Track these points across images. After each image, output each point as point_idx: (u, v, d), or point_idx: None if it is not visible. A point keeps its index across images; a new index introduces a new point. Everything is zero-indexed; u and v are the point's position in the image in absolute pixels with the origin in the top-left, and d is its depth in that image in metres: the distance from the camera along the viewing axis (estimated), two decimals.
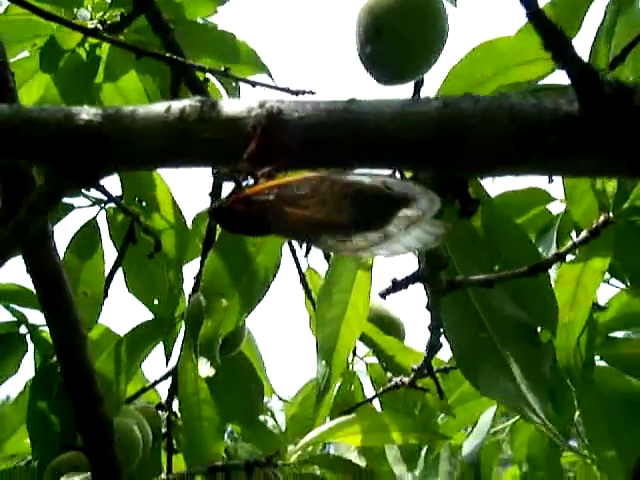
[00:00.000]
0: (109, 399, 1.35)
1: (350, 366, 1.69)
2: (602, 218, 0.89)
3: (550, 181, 0.84)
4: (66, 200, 1.35)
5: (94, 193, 1.35)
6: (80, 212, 1.41)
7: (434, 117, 0.45)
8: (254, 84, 1.14)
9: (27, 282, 1.23)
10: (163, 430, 1.60)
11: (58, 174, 0.51)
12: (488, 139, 0.44)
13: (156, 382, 1.65)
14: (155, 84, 1.45)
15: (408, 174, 0.59)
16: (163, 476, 1.31)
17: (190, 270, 1.74)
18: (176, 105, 0.50)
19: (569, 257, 1.11)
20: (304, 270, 1.49)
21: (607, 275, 1.28)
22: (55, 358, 1.37)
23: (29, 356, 1.52)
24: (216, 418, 1.46)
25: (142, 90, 1.45)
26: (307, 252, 1.41)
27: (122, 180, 1.33)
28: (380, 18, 0.99)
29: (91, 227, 1.41)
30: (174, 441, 1.59)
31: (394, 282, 0.77)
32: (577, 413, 1.47)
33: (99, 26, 1.33)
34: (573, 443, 1.75)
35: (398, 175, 0.53)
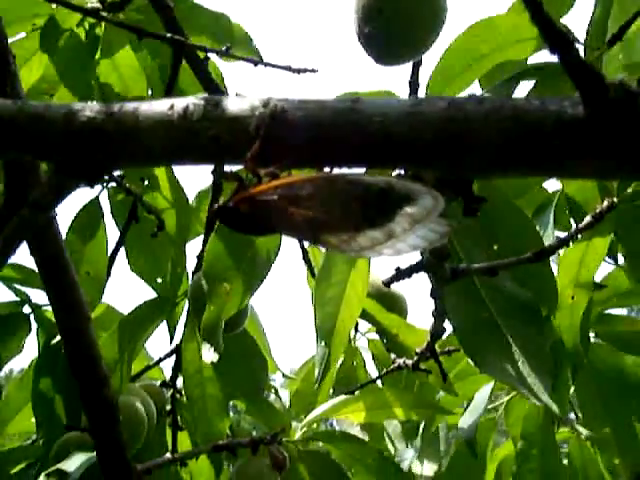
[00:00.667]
0: (113, 378, 1.36)
1: (352, 342, 1.70)
2: (606, 203, 0.89)
3: None
4: None
5: None
6: (82, 191, 1.42)
7: (439, 118, 0.45)
8: (256, 63, 1.14)
9: (30, 262, 1.24)
10: (167, 407, 1.61)
11: (61, 171, 0.51)
12: (492, 141, 0.44)
13: (160, 360, 1.66)
14: (155, 62, 1.44)
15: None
16: (168, 455, 1.31)
17: (193, 248, 1.75)
18: (180, 103, 0.49)
19: None
20: (307, 247, 1.49)
21: None
22: (59, 338, 1.38)
23: (32, 335, 1.53)
24: (220, 396, 1.46)
25: (138, 67, 1.44)
26: None
27: None
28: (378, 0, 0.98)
29: (93, 206, 1.41)
30: (179, 418, 1.60)
31: (398, 270, 0.77)
32: (572, 389, 1.48)
33: (99, 5, 1.32)
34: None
35: (402, 174, 0.52)
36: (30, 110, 0.52)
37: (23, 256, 1.02)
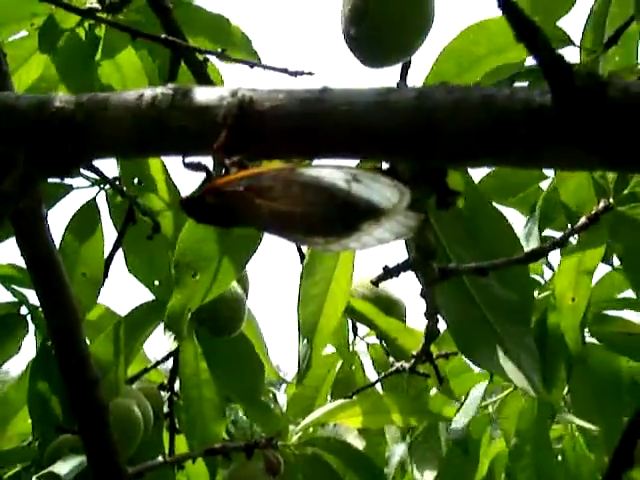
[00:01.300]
0: (107, 380, 1.36)
1: (352, 346, 1.70)
2: (602, 204, 0.89)
3: None
4: (65, 181, 1.35)
5: (93, 174, 1.35)
6: (79, 193, 1.42)
7: (408, 107, 0.44)
8: (252, 65, 1.13)
9: None
10: (165, 410, 1.61)
11: (31, 162, 0.50)
12: (460, 130, 0.43)
13: (158, 363, 1.65)
14: (155, 63, 1.44)
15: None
16: (160, 458, 1.30)
17: None
18: (149, 92, 0.49)
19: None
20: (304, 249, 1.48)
21: None
22: None
23: (30, 336, 1.53)
24: (216, 399, 1.46)
25: (140, 67, 1.44)
26: None
27: (119, 161, 1.33)
28: (366, 0, 0.98)
29: (90, 208, 1.41)
30: (176, 421, 1.60)
31: (385, 269, 0.76)
32: (566, 389, 1.49)
33: (98, 5, 1.32)
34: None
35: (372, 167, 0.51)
36: (0, 101, 0.51)
37: (21, 257, 1.02)
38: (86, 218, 1.39)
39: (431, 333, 0.95)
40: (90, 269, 1.40)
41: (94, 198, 1.41)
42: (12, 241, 1.05)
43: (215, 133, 0.47)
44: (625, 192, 1.09)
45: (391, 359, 1.52)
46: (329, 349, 1.62)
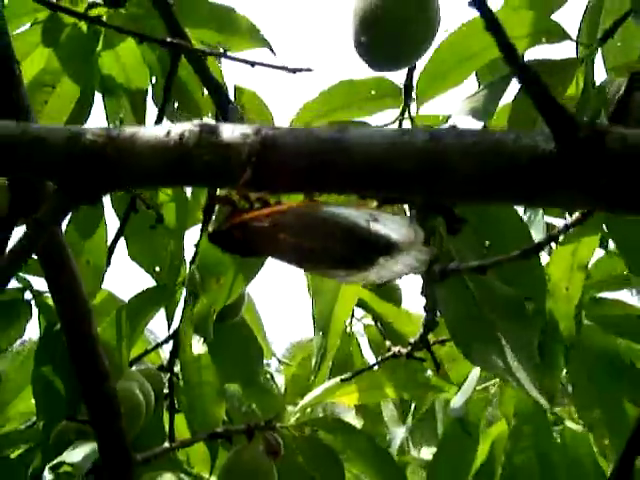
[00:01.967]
0: (111, 364, 1.39)
1: (349, 327, 1.73)
2: None
3: None
4: None
5: None
6: None
7: (420, 150, 0.47)
8: (253, 64, 1.16)
9: None
10: (165, 391, 1.64)
11: (63, 192, 0.53)
12: (469, 173, 0.46)
13: (158, 345, 1.69)
14: (155, 53, 1.47)
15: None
16: (167, 444, 1.34)
17: (191, 236, 1.77)
18: (176, 129, 0.52)
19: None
20: None
21: None
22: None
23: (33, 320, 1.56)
24: (216, 382, 1.50)
25: (140, 58, 1.46)
26: None
27: None
28: (375, 10, 1.01)
29: None
30: (176, 401, 1.64)
31: None
32: (564, 372, 1.51)
33: (100, 0, 1.35)
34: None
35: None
36: (33, 132, 0.54)
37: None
38: (89, 208, 1.42)
39: (429, 325, 0.99)
40: (93, 257, 1.43)
41: None
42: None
43: (239, 169, 0.50)
44: None
45: (388, 343, 1.55)
46: None
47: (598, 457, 1.62)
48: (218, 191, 0.53)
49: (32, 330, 1.63)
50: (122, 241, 1.47)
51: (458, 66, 1.15)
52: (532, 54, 1.27)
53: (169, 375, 1.64)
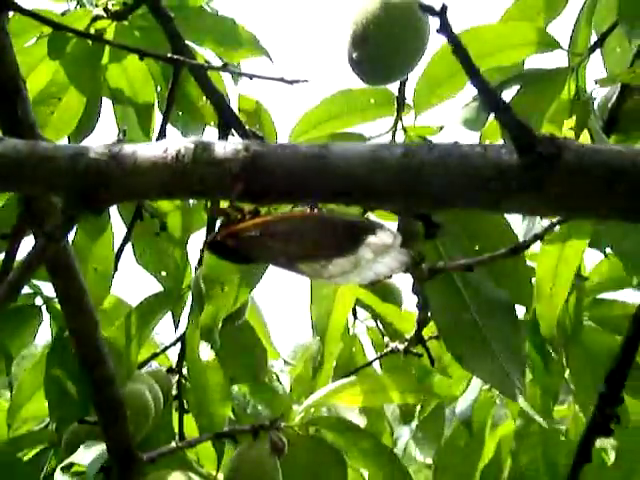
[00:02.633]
0: (121, 367, 1.43)
1: (352, 328, 1.77)
2: None
3: None
4: None
5: None
6: None
7: (395, 165, 0.52)
8: (251, 77, 1.20)
9: None
10: (174, 392, 1.68)
11: (69, 206, 0.58)
12: (441, 184, 0.51)
13: (166, 348, 1.73)
14: (159, 65, 1.50)
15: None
16: (173, 444, 1.38)
17: (196, 241, 1.81)
18: (173, 147, 0.56)
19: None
20: None
21: None
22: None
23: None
24: (222, 383, 1.53)
25: (146, 70, 1.50)
26: None
27: None
28: (366, 27, 1.05)
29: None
30: (184, 402, 1.67)
31: None
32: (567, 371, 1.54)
33: (103, 13, 1.38)
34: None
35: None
36: (39, 151, 0.58)
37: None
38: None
39: (422, 322, 1.02)
40: (101, 264, 1.46)
41: None
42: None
43: (230, 182, 0.54)
44: None
45: (386, 339, 1.59)
46: None
47: (603, 454, 1.64)
48: (213, 204, 0.57)
49: (43, 334, 1.67)
50: (129, 247, 1.50)
51: (452, 78, 1.19)
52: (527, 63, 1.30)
53: (178, 377, 1.68)
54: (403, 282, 1.61)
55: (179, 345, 1.68)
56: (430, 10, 0.48)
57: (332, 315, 1.20)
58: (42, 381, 1.52)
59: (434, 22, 0.49)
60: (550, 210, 0.51)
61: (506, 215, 1.01)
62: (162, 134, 1.33)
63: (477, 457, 1.76)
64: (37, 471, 1.52)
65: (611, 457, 1.58)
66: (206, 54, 1.47)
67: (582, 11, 1.28)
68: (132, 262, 1.53)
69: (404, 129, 1.22)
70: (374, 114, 1.30)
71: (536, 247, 1.17)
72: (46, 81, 1.43)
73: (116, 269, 1.49)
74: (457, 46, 0.48)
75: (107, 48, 1.46)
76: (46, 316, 1.62)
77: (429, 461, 1.81)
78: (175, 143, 0.56)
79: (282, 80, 1.17)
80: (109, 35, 1.44)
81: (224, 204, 0.58)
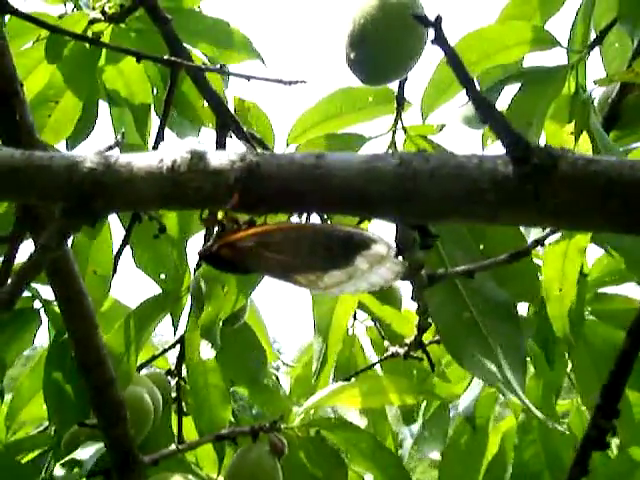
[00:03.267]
0: (121, 370, 1.43)
1: (351, 330, 1.77)
2: None
3: None
4: None
5: None
6: None
7: (390, 174, 0.51)
8: (248, 78, 1.20)
9: None
10: (173, 394, 1.68)
11: (65, 216, 0.57)
12: (435, 195, 0.50)
13: (165, 350, 1.73)
14: (156, 67, 1.50)
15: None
16: (173, 446, 1.38)
17: (195, 243, 1.81)
18: (168, 157, 0.56)
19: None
20: None
21: None
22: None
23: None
24: (222, 385, 1.53)
25: (143, 72, 1.50)
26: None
27: None
28: (363, 26, 1.05)
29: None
30: (184, 405, 1.67)
31: None
32: (570, 365, 1.54)
33: (100, 16, 1.38)
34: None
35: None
36: (36, 160, 0.58)
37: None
38: None
39: (422, 327, 1.02)
40: (100, 266, 1.46)
41: None
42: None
43: (227, 193, 0.54)
44: None
45: (386, 343, 1.59)
46: None
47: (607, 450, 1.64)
48: (208, 213, 0.57)
49: (42, 337, 1.67)
50: (127, 250, 1.50)
51: (455, 81, 1.19)
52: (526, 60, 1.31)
53: (177, 379, 1.68)
54: (403, 286, 1.61)
55: (178, 347, 1.68)
56: (425, 21, 0.48)
57: (334, 316, 1.19)
58: (41, 384, 1.51)
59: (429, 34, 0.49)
60: (546, 222, 0.50)
61: None
62: (159, 136, 1.33)
63: (481, 453, 1.76)
64: (36, 474, 1.52)
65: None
66: (202, 56, 1.47)
67: (580, 8, 1.28)
68: (131, 265, 1.53)
69: (404, 129, 1.22)
70: (373, 113, 1.30)
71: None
72: (43, 84, 1.42)
73: (115, 272, 1.49)
74: (451, 57, 0.48)
75: (104, 51, 1.46)
76: (45, 319, 1.62)
77: (436, 456, 1.81)
78: (171, 153, 0.56)
79: (280, 81, 1.17)
80: (106, 38, 1.44)
81: (220, 214, 0.58)
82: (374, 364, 1.65)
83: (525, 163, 0.48)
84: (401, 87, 1.16)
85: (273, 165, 0.54)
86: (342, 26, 1.09)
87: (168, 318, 1.57)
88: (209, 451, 1.62)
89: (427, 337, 1.30)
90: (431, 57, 1.20)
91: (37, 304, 1.59)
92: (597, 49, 1.36)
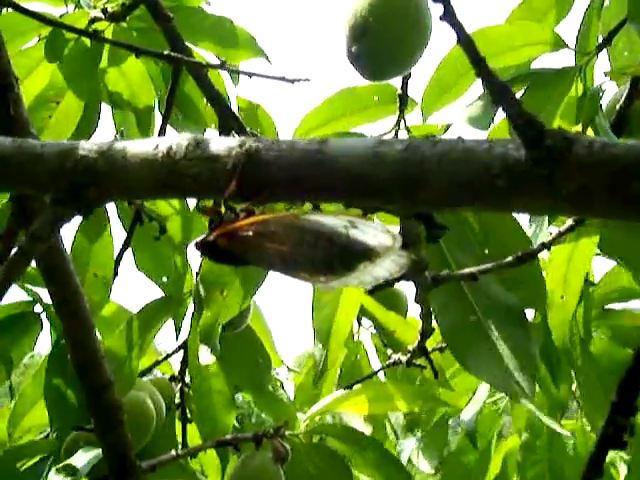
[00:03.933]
0: (122, 375, 1.41)
1: (356, 336, 1.75)
2: None
3: None
4: None
5: None
6: None
7: (396, 160, 0.49)
8: (251, 75, 1.18)
9: None
10: (176, 400, 1.66)
11: (57, 204, 0.55)
12: (444, 180, 0.48)
13: (168, 355, 1.71)
14: (159, 66, 1.48)
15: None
16: (173, 452, 1.36)
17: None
18: (164, 143, 0.54)
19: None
20: None
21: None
22: None
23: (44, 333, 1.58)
24: (226, 390, 1.51)
25: (145, 72, 1.48)
26: None
27: None
28: (365, 19, 1.03)
29: (99, 210, 1.45)
30: (187, 411, 1.65)
31: None
32: (575, 383, 1.51)
33: (101, 15, 1.36)
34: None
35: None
36: (27, 148, 0.56)
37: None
38: (95, 220, 1.44)
39: (425, 332, 0.99)
40: (101, 269, 1.44)
41: None
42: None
43: (225, 180, 0.52)
44: None
45: (389, 351, 1.57)
46: None
47: (611, 468, 1.62)
48: (205, 202, 0.55)
49: (44, 342, 1.65)
50: (129, 253, 1.48)
51: (460, 79, 1.18)
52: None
53: (180, 385, 1.66)
54: (408, 290, 1.58)
55: (181, 352, 1.66)
56: None
57: (335, 321, 1.17)
58: (42, 390, 1.49)
59: (437, 10, 0.46)
60: (561, 208, 0.48)
61: None
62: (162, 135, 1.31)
63: (484, 471, 1.74)
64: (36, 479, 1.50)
65: (620, 471, 1.55)
66: (205, 57, 1.45)
67: (589, 10, 1.26)
68: (132, 268, 1.51)
69: (407, 128, 1.20)
70: (377, 113, 1.28)
71: (543, 253, 1.14)
72: (44, 84, 1.40)
73: (116, 275, 1.47)
74: (461, 34, 0.45)
75: (105, 52, 1.44)
76: (46, 324, 1.60)
77: (428, 470, 1.79)
78: (167, 139, 0.54)
79: (283, 79, 1.15)
80: (107, 37, 1.42)
81: (219, 203, 0.55)
82: (376, 372, 1.63)
83: (538, 146, 0.45)
84: (404, 84, 1.14)
85: (273, 151, 0.52)
86: (343, 19, 1.07)
87: (171, 323, 1.55)
88: (213, 458, 1.60)
89: (431, 344, 1.27)
90: (434, 55, 1.18)
91: (38, 308, 1.57)
92: (605, 52, 1.34)
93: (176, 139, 0.54)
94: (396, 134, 1.20)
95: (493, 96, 0.46)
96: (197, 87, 1.26)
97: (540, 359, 1.33)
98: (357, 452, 1.44)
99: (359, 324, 1.73)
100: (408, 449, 1.81)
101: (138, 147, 0.54)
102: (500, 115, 1.20)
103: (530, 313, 1.19)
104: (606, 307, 1.48)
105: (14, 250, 0.57)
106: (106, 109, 1.52)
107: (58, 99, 1.39)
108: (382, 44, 1.04)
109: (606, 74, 1.13)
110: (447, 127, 1.24)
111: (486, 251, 0.97)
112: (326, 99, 1.31)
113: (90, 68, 1.40)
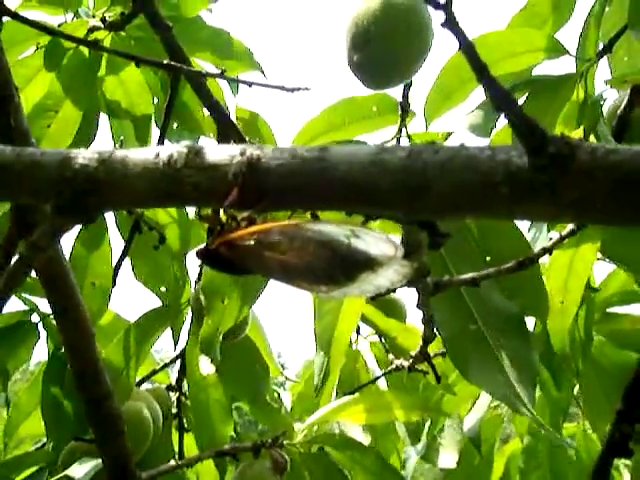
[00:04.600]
0: (120, 384, 1.41)
1: (355, 345, 1.74)
2: None
3: None
4: None
5: None
6: None
7: (398, 167, 0.49)
8: (250, 84, 1.18)
9: None
10: (173, 410, 1.65)
11: (57, 214, 0.55)
12: (446, 188, 0.48)
13: (166, 365, 1.70)
14: (157, 76, 1.48)
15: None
16: (172, 462, 1.35)
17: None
18: (165, 152, 0.53)
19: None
20: None
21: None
22: None
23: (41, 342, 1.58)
24: (223, 400, 1.51)
25: (143, 81, 1.48)
26: None
27: None
28: (367, 28, 1.03)
29: (98, 219, 1.45)
30: (184, 420, 1.65)
31: None
32: (577, 387, 1.51)
33: (100, 24, 1.36)
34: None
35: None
36: (26, 156, 0.56)
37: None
38: (94, 227, 1.43)
39: (427, 338, 0.99)
40: (99, 278, 1.44)
41: None
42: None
43: (226, 188, 0.51)
44: None
45: (391, 356, 1.56)
46: None
47: (614, 472, 1.61)
48: (205, 210, 0.55)
49: (40, 352, 1.65)
50: (127, 262, 1.48)
51: (461, 86, 1.18)
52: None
53: (177, 394, 1.66)
54: (408, 297, 1.58)
55: (179, 362, 1.66)
56: (434, 3, 0.45)
57: (336, 330, 1.17)
58: (39, 400, 1.49)
59: (439, 17, 0.46)
60: (564, 215, 0.48)
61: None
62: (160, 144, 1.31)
63: (487, 476, 1.74)
64: None
65: (624, 477, 1.55)
66: (204, 67, 1.45)
67: (589, 17, 1.26)
68: (130, 277, 1.51)
69: (408, 136, 1.20)
70: (377, 123, 1.28)
71: (544, 258, 1.14)
72: (42, 94, 1.40)
73: (114, 284, 1.47)
74: (463, 41, 0.45)
75: (104, 61, 1.44)
76: (43, 333, 1.60)
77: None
78: (167, 148, 0.54)
79: (282, 88, 1.15)
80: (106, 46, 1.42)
81: (218, 211, 0.55)
82: (378, 377, 1.63)
83: (541, 153, 0.45)
84: (406, 93, 1.14)
85: (275, 159, 0.51)
86: (344, 28, 1.07)
87: (169, 332, 1.55)
88: (210, 468, 1.59)
89: (433, 349, 1.27)
90: (435, 63, 1.18)
91: (35, 317, 1.57)
92: (605, 58, 1.34)
93: (177, 147, 0.53)
94: (398, 142, 1.20)
95: (495, 103, 0.46)
96: (195, 96, 1.26)
97: (541, 363, 1.34)
98: (356, 462, 1.44)
99: (357, 333, 1.73)
100: (414, 456, 1.80)
101: (139, 156, 0.54)
102: (502, 122, 1.20)
103: (531, 319, 1.19)
104: (607, 310, 1.48)
105: (14, 259, 0.57)
106: (104, 118, 1.52)
107: (57, 108, 1.39)
108: (384, 53, 1.04)
109: (607, 82, 1.13)
110: (448, 135, 1.24)
111: (487, 258, 0.97)
112: (325, 109, 1.31)
113: (89, 77, 1.40)
